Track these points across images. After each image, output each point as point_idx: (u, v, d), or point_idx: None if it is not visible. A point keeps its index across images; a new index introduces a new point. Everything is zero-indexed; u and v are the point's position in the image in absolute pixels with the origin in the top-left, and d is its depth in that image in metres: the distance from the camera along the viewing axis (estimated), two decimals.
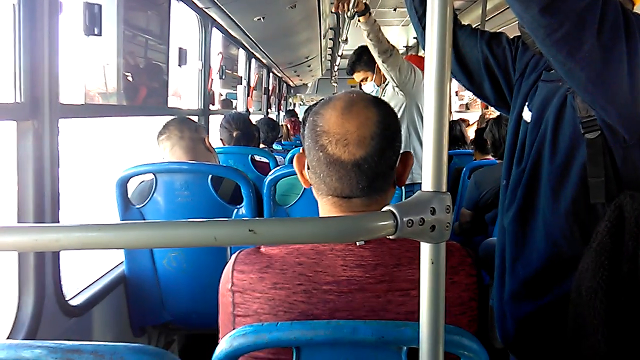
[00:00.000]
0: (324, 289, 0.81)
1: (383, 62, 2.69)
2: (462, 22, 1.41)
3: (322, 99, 0.92)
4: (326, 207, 0.88)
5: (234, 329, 0.82)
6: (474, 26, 1.40)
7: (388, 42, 2.69)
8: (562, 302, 1.04)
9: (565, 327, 1.03)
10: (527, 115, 1.19)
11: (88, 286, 1.75)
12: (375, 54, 2.69)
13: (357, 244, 0.82)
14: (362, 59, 3.02)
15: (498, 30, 1.42)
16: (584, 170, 1.03)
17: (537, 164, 1.13)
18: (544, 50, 1.00)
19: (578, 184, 1.04)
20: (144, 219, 1.79)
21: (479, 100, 5.80)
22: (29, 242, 0.48)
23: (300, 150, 0.92)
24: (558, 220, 1.08)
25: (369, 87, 3.04)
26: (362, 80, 3.09)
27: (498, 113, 3.84)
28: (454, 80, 1.39)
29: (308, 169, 0.89)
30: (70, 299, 1.59)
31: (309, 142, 0.86)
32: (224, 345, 0.75)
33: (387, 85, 2.99)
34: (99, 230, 0.48)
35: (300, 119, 6.93)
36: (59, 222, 1.42)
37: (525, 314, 1.17)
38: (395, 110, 2.89)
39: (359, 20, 2.68)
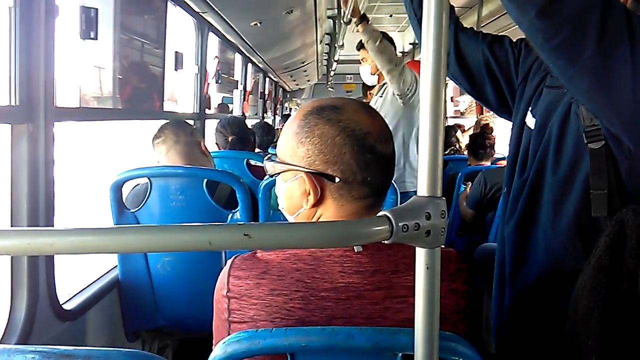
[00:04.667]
0: (322, 295, 0.80)
1: (387, 72, 2.67)
2: None
3: (313, 107, 0.84)
4: (354, 214, 0.83)
5: (228, 335, 0.81)
6: None
7: (392, 51, 2.65)
8: (561, 316, 0.99)
9: (562, 343, 1.00)
10: (530, 121, 1.15)
11: (82, 290, 1.75)
12: (379, 63, 2.66)
13: (355, 249, 0.81)
14: None
15: None
16: (587, 183, 0.98)
17: (539, 174, 1.09)
18: (544, 57, 0.96)
19: (581, 197, 1.00)
20: (139, 223, 1.79)
21: (474, 107, 5.82)
22: (22, 245, 0.48)
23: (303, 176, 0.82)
24: (559, 233, 1.04)
25: (365, 70, 3.01)
26: (362, 59, 3.06)
27: (494, 119, 3.85)
28: (449, 86, 1.38)
29: (334, 181, 0.81)
30: (64, 302, 1.58)
31: (348, 149, 0.80)
32: (217, 351, 0.74)
33: (388, 87, 2.97)
34: (93, 234, 0.48)
35: None
36: (53, 226, 1.41)
37: (523, 326, 1.14)
38: (392, 116, 2.87)
39: (357, 31, 2.67)
